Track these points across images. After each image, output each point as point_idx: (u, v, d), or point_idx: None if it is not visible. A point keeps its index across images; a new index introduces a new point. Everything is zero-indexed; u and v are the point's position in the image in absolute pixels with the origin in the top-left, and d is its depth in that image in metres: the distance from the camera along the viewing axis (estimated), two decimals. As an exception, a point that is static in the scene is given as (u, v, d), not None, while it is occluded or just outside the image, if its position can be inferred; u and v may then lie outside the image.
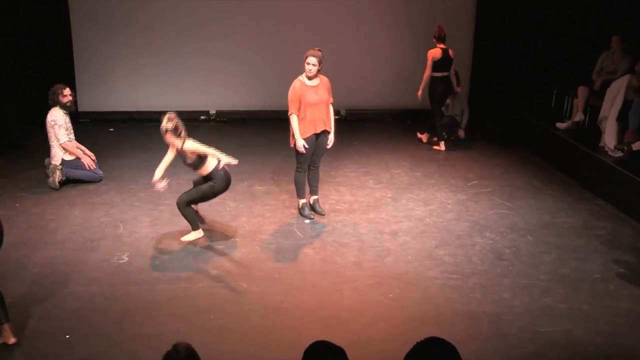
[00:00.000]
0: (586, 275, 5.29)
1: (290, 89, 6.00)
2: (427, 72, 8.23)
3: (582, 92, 8.11)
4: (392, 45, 10.04)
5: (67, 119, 7.03)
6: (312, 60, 5.90)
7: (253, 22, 9.91)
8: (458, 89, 8.89)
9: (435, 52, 8.21)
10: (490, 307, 4.77)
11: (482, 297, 4.91)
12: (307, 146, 6.01)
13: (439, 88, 8.35)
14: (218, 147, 8.57)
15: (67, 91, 6.97)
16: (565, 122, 8.33)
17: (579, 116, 8.14)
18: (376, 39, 10.05)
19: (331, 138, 6.16)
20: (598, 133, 7.46)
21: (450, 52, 8.30)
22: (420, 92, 8.31)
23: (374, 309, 4.74)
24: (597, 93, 8.01)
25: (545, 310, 4.75)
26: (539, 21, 9.70)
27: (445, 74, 8.33)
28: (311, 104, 5.94)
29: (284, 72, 9.98)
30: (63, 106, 6.96)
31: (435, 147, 8.59)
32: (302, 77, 5.98)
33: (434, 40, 8.28)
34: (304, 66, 5.95)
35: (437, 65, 8.23)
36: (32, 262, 5.33)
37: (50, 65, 9.38)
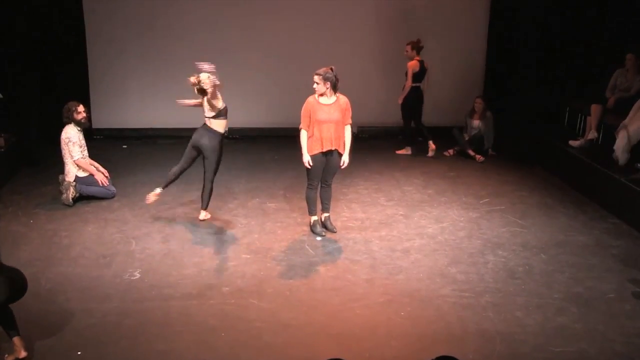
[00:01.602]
0: (601, 295, 5.26)
1: (304, 104, 6.07)
2: (409, 83, 8.86)
3: (595, 109, 8.10)
4: (403, 62, 10.09)
5: (81, 136, 7.13)
6: (315, 78, 6.00)
7: (266, 39, 10.02)
8: (488, 114, 9.19)
9: (415, 65, 8.84)
10: (503, 326, 4.75)
11: (494, 315, 4.89)
12: (311, 163, 6.06)
13: (415, 96, 8.95)
14: (230, 164, 8.75)
15: (80, 108, 7.09)
16: (579, 139, 8.32)
17: (592, 134, 8.12)
18: (388, 55, 10.11)
19: (344, 159, 6.16)
20: (612, 151, 7.43)
21: (425, 64, 8.94)
22: (400, 100, 8.99)
23: (385, 327, 4.73)
24: (611, 111, 8.00)
25: (559, 330, 4.72)
26: (552, 39, 9.72)
27: (419, 84, 8.99)
28: (320, 122, 5.98)
29: (294, 90, 10.13)
30: (77, 123, 7.06)
31: (400, 152, 9.23)
32: (316, 94, 6.04)
33: (414, 52, 8.86)
34: None
35: (416, 76, 8.88)
36: (45, 278, 5.37)
37: (64, 82, 9.51)
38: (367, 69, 10.03)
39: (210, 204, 7.20)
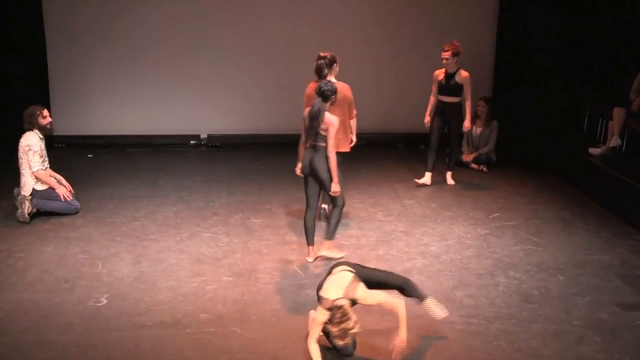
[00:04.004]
0: (627, 321, 5.26)
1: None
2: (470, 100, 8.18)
3: (618, 113, 8.15)
4: (402, 64, 10.17)
5: (43, 145, 7.10)
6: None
7: (247, 40, 10.07)
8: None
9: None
10: (517, 357, 4.74)
11: (507, 345, 4.88)
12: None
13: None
14: (209, 175, 8.74)
15: (46, 112, 7.10)
16: (600, 147, 8.37)
17: (615, 141, 8.17)
18: (385, 58, 10.19)
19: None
20: (637, 160, 7.47)
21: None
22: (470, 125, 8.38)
23: (383, 357, 4.71)
24: (636, 115, 8.05)
25: (580, 361, 4.73)
26: (569, 37, 9.81)
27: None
28: None
29: (281, 94, 10.20)
30: (42, 129, 7.04)
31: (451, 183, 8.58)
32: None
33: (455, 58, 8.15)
34: None
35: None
36: (-3, 306, 5.32)
37: (19, 82, 9.48)
38: (364, 72, 10.05)
39: (188, 219, 7.19)
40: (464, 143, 9.34)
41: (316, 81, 6.58)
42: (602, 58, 9.50)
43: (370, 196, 7.97)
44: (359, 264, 4.93)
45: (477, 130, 9.23)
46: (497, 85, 10.48)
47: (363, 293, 4.54)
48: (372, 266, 5.97)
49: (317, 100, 5.94)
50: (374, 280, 4.76)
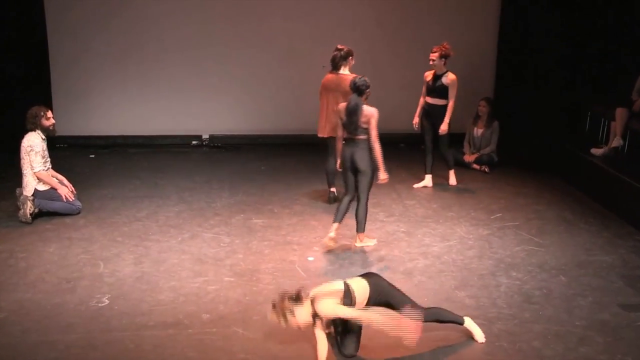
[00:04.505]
0: (629, 322, 5.25)
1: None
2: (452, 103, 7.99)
3: (620, 114, 8.15)
4: (403, 64, 10.15)
5: (45, 146, 7.11)
6: None
7: (249, 40, 10.07)
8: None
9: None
10: (519, 357, 4.73)
11: (508, 345, 4.88)
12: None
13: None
14: (211, 175, 8.75)
15: (50, 114, 7.10)
16: (602, 147, 8.37)
17: (617, 141, 8.17)
18: (386, 58, 10.17)
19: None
20: (639, 160, 7.46)
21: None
22: (447, 128, 8.03)
23: (386, 358, 4.71)
24: (638, 115, 8.04)
25: (582, 362, 4.72)
26: (570, 37, 9.80)
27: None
28: None
29: (283, 95, 10.21)
30: (45, 130, 7.04)
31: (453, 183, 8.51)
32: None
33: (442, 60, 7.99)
34: None
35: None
36: (-1, 306, 5.33)
37: (21, 83, 9.48)
38: (365, 72, 9.97)
39: (189, 220, 7.20)
40: (466, 144, 9.34)
41: (331, 71, 7.35)
42: (603, 58, 9.48)
43: (371, 197, 7.92)
44: (392, 285, 4.77)
45: (479, 131, 9.22)
46: (498, 85, 10.48)
47: (325, 308, 4.39)
48: (374, 268, 5.99)
49: (353, 96, 6.23)
50: (395, 300, 4.64)
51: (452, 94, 7.92)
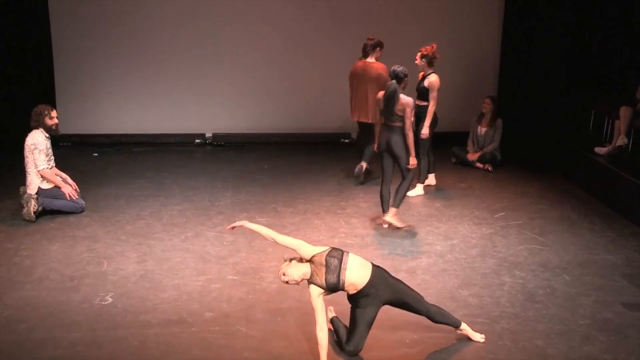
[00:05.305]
0: (632, 321, 5.25)
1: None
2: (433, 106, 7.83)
3: (624, 112, 8.14)
4: (406, 64, 10.10)
5: (49, 144, 7.13)
6: None
7: (252, 39, 10.07)
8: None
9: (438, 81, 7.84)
10: (522, 356, 4.74)
11: (511, 344, 4.89)
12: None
13: (434, 120, 7.97)
14: (214, 174, 8.76)
15: (54, 113, 7.12)
16: (606, 146, 8.36)
17: (621, 140, 8.16)
18: (388, 58, 10.10)
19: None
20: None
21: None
22: (428, 132, 7.91)
23: (389, 357, 4.73)
24: (642, 113, 8.05)
25: (585, 361, 4.73)
26: (574, 36, 9.79)
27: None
28: None
29: (286, 94, 10.22)
30: (48, 129, 7.07)
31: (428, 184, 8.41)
32: None
33: (424, 61, 7.85)
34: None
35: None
36: (3, 304, 5.34)
37: (26, 82, 9.50)
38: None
39: (193, 218, 7.22)
40: (470, 142, 9.34)
41: (361, 59, 8.10)
42: (608, 57, 9.47)
43: (375, 195, 7.94)
44: (395, 278, 4.79)
45: (482, 129, 9.22)
46: (502, 84, 10.47)
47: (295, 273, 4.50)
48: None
49: (392, 82, 6.58)
50: (401, 296, 4.67)
51: (431, 96, 7.73)
